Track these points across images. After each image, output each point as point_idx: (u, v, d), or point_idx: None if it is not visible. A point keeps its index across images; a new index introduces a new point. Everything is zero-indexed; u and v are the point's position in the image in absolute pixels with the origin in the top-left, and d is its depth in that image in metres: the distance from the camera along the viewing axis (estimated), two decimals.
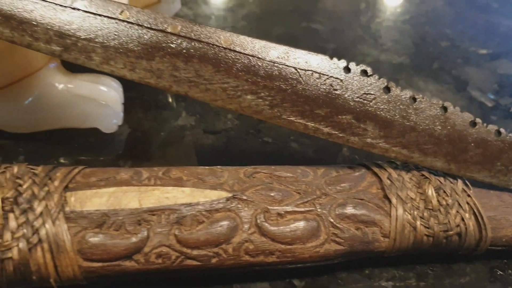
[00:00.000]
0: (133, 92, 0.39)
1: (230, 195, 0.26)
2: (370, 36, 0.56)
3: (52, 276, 0.23)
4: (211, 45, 0.27)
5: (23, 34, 0.25)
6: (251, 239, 0.25)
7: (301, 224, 0.26)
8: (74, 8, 0.25)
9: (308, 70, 0.27)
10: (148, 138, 0.37)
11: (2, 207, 0.23)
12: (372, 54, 0.53)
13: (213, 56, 0.27)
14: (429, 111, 0.29)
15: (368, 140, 0.29)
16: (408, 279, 0.29)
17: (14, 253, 0.22)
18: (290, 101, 0.28)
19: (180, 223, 0.24)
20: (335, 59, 0.28)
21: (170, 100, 0.40)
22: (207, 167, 0.28)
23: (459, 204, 0.29)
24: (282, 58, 0.27)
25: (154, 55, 0.26)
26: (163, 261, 0.24)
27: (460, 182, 0.30)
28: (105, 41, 0.26)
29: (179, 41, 0.26)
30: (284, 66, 0.27)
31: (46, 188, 0.24)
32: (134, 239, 0.24)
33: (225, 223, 0.25)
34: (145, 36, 0.26)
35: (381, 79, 0.28)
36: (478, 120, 0.30)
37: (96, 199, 0.24)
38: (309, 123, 0.28)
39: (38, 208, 0.23)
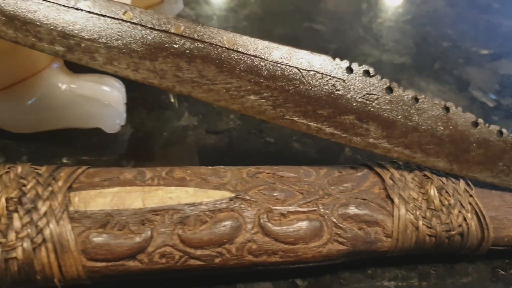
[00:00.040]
0: (136, 93, 0.39)
1: (233, 195, 0.26)
2: (372, 37, 0.56)
3: (56, 276, 0.23)
4: (214, 45, 0.27)
5: (26, 34, 0.25)
6: (254, 239, 0.25)
7: (304, 224, 0.26)
8: (77, 9, 0.25)
9: (310, 70, 0.28)
10: (150, 138, 0.37)
11: (7, 207, 0.23)
12: (373, 54, 0.53)
13: (216, 56, 0.27)
14: (431, 111, 0.29)
15: (371, 140, 0.29)
16: (411, 279, 0.30)
17: (19, 253, 0.22)
18: (293, 101, 0.28)
19: (184, 223, 0.25)
20: (337, 60, 0.28)
21: (172, 100, 0.41)
22: (210, 167, 0.28)
23: (461, 204, 0.29)
24: (284, 58, 0.27)
25: (157, 55, 0.26)
26: (166, 261, 0.24)
27: (462, 182, 0.30)
28: (109, 42, 0.26)
29: (182, 41, 0.26)
30: (287, 66, 0.27)
31: (50, 188, 0.24)
32: (137, 239, 0.24)
33: (228, 223, 0.25)
34: (149, 37, 0.26)
35: (384, 79, 0.28)
36: (480, 120, 0.30)
37: (100, 199, 0.24)
38: (311, 123, 0.28)
39: (42, 208, 0.23)
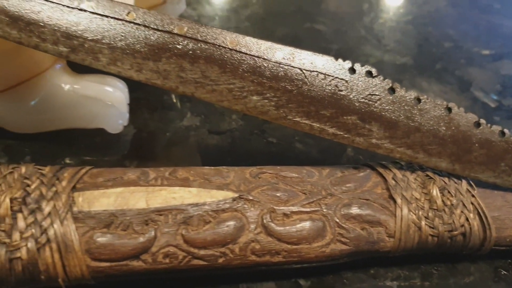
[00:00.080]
0: (139, 93, 0.39)
1: (236, 195, 0.26)
2: (373, 37, 0.56)
3: (60, 276, 0.23)
4: (217, 46, 0.27)
5: (30, 35, 0.25)
6: (258, 239, 0.25)
7: (307, 224, 0.26)
8: (81, 9, 0.26)
9: (313, 71, 0.28)
10: (153, 138, 0.37)
11: (11, 207, 0.23)
12: (375, 54, 0.53)
13: (219, 57, 0.27)
14: (434, 112, 0.29)
15: (373, 140, 0.29)
16: (413, 278, 0.30)
17: (23, 253, 0.22)
18: (295, 102, 0.28)
19: (187, 223, 0.25)
20: (340, 60, 0.28)
21: (175, 100, 0.41)
22: (213, 167, 0.28)
23: (464, 204, 0.29)
24: (287, 59, 0.27)
25: (160, 56, 0.26)
26: (170, 261, 0.24)
27: (464, 182, 0.30)
28: (112, 42, 0.26)
29: (185, 42, 0.26)
30: (289, 67, 0.27)
31: (54, 188, 0.24)
32: (141, 239, 0.24)
33: (231, 223, 0.25)
34: (152, 37, 0.26)
35: (386, 80, 0.28)
36: (482, 121, 0.30)
37: (104, 199, 0.25)
38: (314, 124, 0.28)
39: (46, 208, 0.23)
